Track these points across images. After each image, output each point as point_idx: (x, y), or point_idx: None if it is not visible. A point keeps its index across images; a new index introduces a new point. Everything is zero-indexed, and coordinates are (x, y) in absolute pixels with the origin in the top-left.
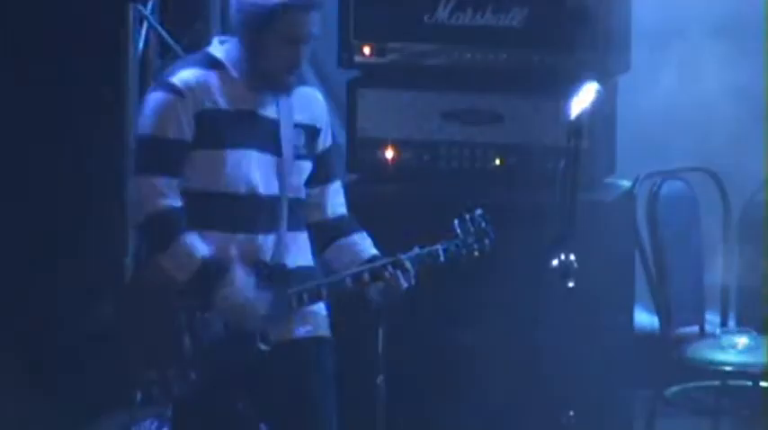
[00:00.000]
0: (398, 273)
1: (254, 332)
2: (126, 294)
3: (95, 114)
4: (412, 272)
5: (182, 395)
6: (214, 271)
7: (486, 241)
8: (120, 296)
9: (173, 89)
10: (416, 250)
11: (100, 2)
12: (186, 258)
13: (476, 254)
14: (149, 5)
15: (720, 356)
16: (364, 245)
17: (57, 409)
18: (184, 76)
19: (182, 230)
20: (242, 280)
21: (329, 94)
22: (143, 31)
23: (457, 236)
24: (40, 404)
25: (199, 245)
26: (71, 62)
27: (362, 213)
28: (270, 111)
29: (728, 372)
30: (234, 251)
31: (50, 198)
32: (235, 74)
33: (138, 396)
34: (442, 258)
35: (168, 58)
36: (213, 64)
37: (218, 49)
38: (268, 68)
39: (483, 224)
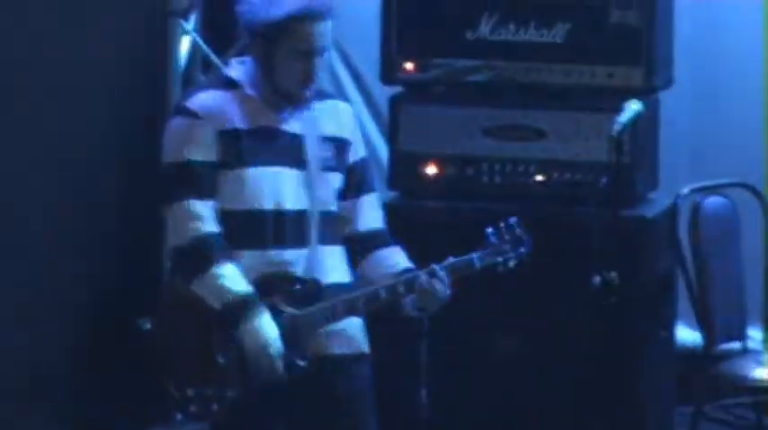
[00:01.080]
0: (434, 281)
1: (270, 378)
2: (163, 312)
3: (137, 131)
4: (447, 281)
5: (219, 413)
6: (242, 308)
7: (522, 249)
8: (158, 313)
9: (191, 113)
10: (451, 259)
11: (142, 16)
12: (217, 290)
13: (511, 262)
14: (192, 20)
15: (762, 373)
16: (397, 258)
17: (97, 427)
18: (201, 99)
19: (217, 259)
20: (265, 326)
21: (371, 109)
22: (186, 47)
23: (491, 244)
24: (79, 421)
25: (233, 277)
26: (112, 77)
27: (404, 229)
28: (293, 126)
29: None
30: (264, 275)
31: (88, 214)
32: (252, 92)
33: (178, 414)
34: (477, 266)
35: (211, 73)
36: (229, 84)
37: (235, 69)
38: (282, 83)
39: (517, 232)
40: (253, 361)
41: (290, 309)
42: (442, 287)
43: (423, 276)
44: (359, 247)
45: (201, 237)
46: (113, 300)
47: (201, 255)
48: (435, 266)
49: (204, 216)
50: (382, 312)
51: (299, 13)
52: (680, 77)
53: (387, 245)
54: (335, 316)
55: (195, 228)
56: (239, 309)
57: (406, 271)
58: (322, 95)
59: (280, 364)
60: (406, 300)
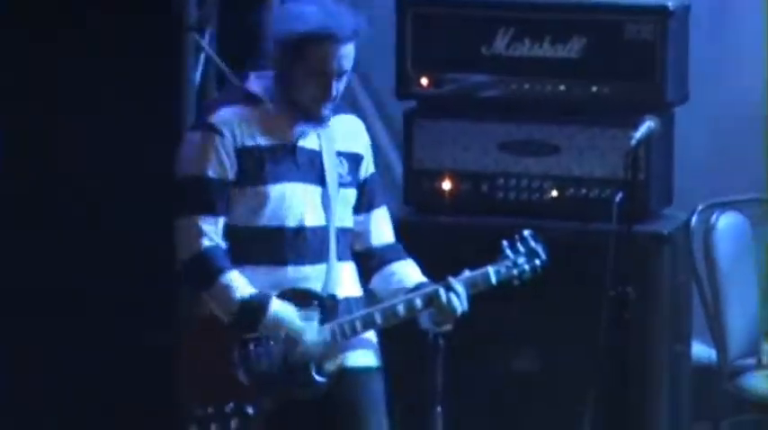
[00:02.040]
0: (451, 296)
1: (304, 360)
2: (180, 328)
3: (151, 146)
4: (464, 295)
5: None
6: (253, 309)
7: (537, 261)
8: (176, 330)
9: (211, 128)
10: (467, 273)
11: (155, 31)
12: (225, 299)
13: (527, 275)
14: (206, 35)
15: None
16: (411, 272)
17: None
18: (222, 114)
19: (221, 271)
20: (281, 311)
21: (386, 124)
22: (200, 62)
23: (507, 257)
24: None
25: (237, 284)
26: (126, 93)
27: (419, 245)
28: (310, 142)
29: None
30: (282, 292)
31: (102, 228)
32: (272, 107)
33: None
34: (493, 280)
35: (230, 87)
36: (250, 99)
37: (255, 83)
38: (299, 100)
39: (533, 244)
40: (284, 348)
41: (309, 325)
42: (459, 301)
43: (440, 290)
44: (373, 262)
45: (205, 251)
46: (126, 315)
47: (206, 268)
48: (452, 280)
49: (210, 232)
50: (398, 326)
51: (317, 33)
52: (696, 94)
53: (400, 258)
54: (354, 331)
55: (200, 244)
56: (246, 312)
57: (421, 285)
58: (335, 110)
59: (311, 340)
60: (422, 314)
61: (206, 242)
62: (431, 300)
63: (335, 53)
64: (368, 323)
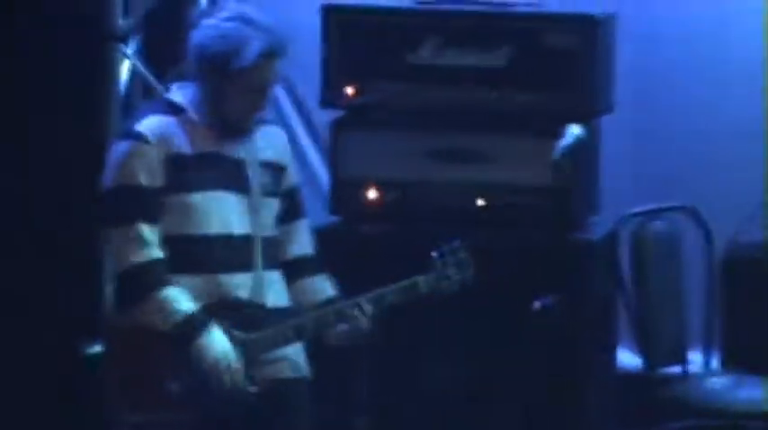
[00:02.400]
0: (359, 314)
1: (229, 390)
2: (110, 337)
3: (77, 156)
4: (370, 313)
5: None
6: (194, 324)
7: (466, 272)
8: (107, 340)
9: (139, 137)
10: (390, 286)
11: (80, 41)
12: (167, 310)
13: (456, 285)
14: (132, 44)
15: (703, 396)
16: (323, 286)
17: None
18: (148, 123)
19: (162, 282)
20: (217, 339)
21: (311, 133)
22: (126, 72)
23: (436, 268)
24: None
25: (179, 298)
26: (50, 103)
27: (345, 254)
28: (235, 151)
29: (711, 413)
30: (211, 301)
31: (28, 239)
32: (196, 117)
33: None
34: (422, 290)
35: (153, 98)
36: (174, 109)
37: (178, 94)
38: (230, 114)
39: (461, 255)
40: (211, 376)
41: (239, 334)
42: (365, 320)
43: (349, 308)
44: (289, 272)
45: (147, 262)
46: (59, 326)
47: (147, 280)
48: (361, 299)
49: (150, 241)
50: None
51: (267, 54)
52: (622, 102)
53: (316, 272)
54: (283, 340)
55: (141, 254)
56: (188, 326)
57: (332, 300)
58: (259, 121)
59: (238, 375)
60: (334, 330)
61: (148, 251)
62: (343, 315)
63: (273, 68)
64: (298, 333)
